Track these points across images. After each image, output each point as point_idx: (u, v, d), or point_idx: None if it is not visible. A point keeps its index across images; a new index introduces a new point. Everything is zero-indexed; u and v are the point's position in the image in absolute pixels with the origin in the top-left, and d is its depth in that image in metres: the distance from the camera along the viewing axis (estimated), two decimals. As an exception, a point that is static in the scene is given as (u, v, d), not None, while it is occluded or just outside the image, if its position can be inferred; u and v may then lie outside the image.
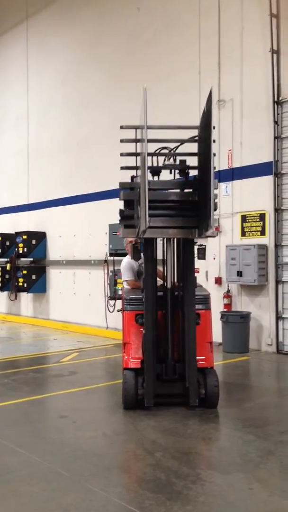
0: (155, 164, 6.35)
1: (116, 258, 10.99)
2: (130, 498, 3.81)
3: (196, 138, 6.14)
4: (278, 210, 9.37)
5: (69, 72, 13.94)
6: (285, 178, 9.34)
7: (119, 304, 9.61)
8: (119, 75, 12.15)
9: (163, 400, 5.93)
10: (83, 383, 7.19)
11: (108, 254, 11.62)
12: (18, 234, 14.76)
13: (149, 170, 5.70)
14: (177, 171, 6.32)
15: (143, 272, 6.19)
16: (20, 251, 14.55)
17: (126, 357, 6.07)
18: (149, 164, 5.96)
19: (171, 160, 6.32)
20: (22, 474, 4.26)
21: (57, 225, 14.22)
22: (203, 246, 7.13)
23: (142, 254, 6.46)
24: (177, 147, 6.34)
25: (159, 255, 6.27)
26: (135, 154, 6.16)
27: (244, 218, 9.83)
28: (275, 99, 9.34)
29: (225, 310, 9.80)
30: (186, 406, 5.84)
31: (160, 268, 6.37)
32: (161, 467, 4.32)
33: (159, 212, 5.78)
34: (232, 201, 10.00)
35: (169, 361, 5.93)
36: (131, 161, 6.30)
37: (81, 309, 13.17)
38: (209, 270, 10.42)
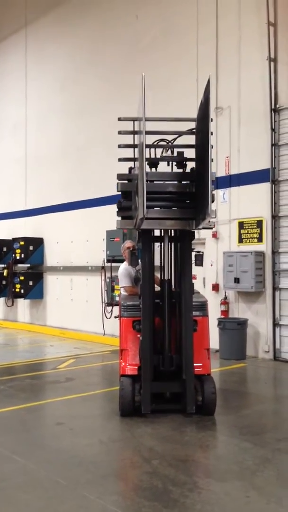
0: (152, 157, 6.36)
1: (113, 264, 10.99)
2: (126, 506, 3.78)
3: (194, 130, 6.16)
4: (275, 217, 9.39)
5: (68, 78, 13.99)
6: (282, 185, 9.37)
7: (116, 310, 9.60)
8: (118, 82, 12.19)
9: (160, 407, 5.91)
10: (80, 390, 7.16)
11: (105, 260, 11.62)
12: (15, 240, 14.75)
13: (147, 162, 5.71)
14: (174, 163, 6.33)
15: (140, 278, 6.19)
16: (17, 257, 14.52)
17: (123, 363, 6.06)
18: (147, 157, 5.96)
19: (169, 152, 6.35)
20: (18, 481, 4.24)
21: (54, 231, 14.22)
22: (201, 253, 7.14)
23: (139, 260, 6.46)
24: (174, 139, 6.36)
25: (157, 260, 6.27)
26: (133, 146, 6.16)
27: (241, 225, 9.84)
28: (273, 107, 9.38)
29: (222, 316, 9.79)
30: (183, 413, 5.82)
31: (157, 274, 6.36)
32: (158, 474, 4.30)
33: (157, 204, 5.79)
34: (230, 207, 10.02)
35: (166, 354, 5.87)
36: (129, 154, 6.30)
37: (78, 315, 13.14)
38: (206, 277, 10.42)
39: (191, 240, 6.08)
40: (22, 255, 14.38)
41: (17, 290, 14.55)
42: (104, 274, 11.67)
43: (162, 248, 6.14)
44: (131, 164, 6.28)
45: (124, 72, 12.07)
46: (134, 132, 6.18)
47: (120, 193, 6.12)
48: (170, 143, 6.31)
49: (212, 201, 5.05)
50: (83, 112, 13.38)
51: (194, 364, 5.81)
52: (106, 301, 11.55)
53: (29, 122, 15.35)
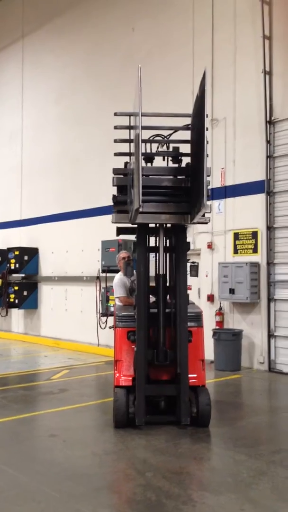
0: (148, 152, 6.36)
1: (108, 274, 10.96)
2: (119, 520, 3.74)
3: (189, 125, 6.18)
4: (270, 228, 9.42)
5: (64, 89, 14.06)
6: (277, 197, 9.41)
7: (111, 320, 9.56)
8: (113, 93, 12.25)
9: (154, 419, 5.87)
10: (73, 401, 7.11)
11: (100, 271, 11.60)
12: (10, 250, 14.70)
13: (142, 157, 5.72)
14: (170, 158, 6.33)
15: (135, 289, 6.17)
16: (12, 267, 14.47)
17: (117, 374, 6.02)
18: (143, 151, 5.97)
19: (164, 147, 6.36)
20: (10, 494, 4.18)
21: (49, 241, 14.20)
22: (196, 264, 7.13)
23: (134, 271, 6.44)
24: (170, 134, 6.37)
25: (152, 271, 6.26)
26: (129, 141, 6.17)
27: (236, 236, 9.86)
28: (268, 119, 9.45)
29: (217, 327, 9.77)
30: (178, 425, 5.78)
31: (153, 284, 6.34)
32: (151, 487, 4.25)
33: (152, 198, 5.79)
34: (225, 218, 10.04)
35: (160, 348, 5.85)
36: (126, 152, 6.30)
37: (73, 325, 13.08)
38: (201, 287, 10.42)
39: (186, 250, 6.08)
40: (17, 265, 14.33)
41: (12, 300, 14.48)
42: (99, 284, 11.64)
43: (157, 242, 6.12)
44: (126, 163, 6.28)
45: (119, 84, 12.13)
46: (130, 127, 6.19)
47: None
48: (166, 138, 6.33)
49: (208, 196, 5.05)
50: (78, 123, 13.44)
51: (189, 375, 5.78)
52: (100, 312, 11.50)
53: (25, 132, 15.39)
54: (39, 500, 4.03)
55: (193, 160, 5.82)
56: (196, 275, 10.28)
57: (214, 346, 9.36)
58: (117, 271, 7.66)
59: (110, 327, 7.59)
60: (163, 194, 5.94)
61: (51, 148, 14.31)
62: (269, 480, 4.43)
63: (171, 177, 6.04)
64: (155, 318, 5.94)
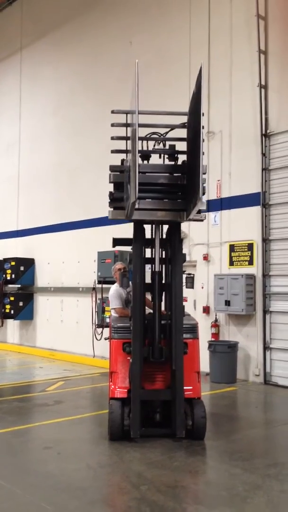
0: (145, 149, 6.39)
1: (104, 285, 10.96)
2: (114, 534, 3.71)
3: (186, 124, 6.23)
4: (266, 240, 9.45)
5: (61, 101, 14.15)
6: (273, 209, 9.46)
7: (106, 332, 9.54)
8: (110, 105, 12.23)
9: (149, 431, 5.84)
10: (68, 413, 7.07)
11: (96, 282, 11.59)
12: (6, 260, 14.69)
13: (139, 154, 5.76)
14: (166, 156, 6.35)
15: (131, 300, 6.16)
16: (8, 278, 14.45)
17: (112, 386, 5.99)
18: (139, 149, 6.00)
19: (161, 145, 6.40)
20: (3, 507, 4.14)
21: (45, 252, 14.20)
22: (192, 275, 7.14)
23: (130, 282, 6.44)
24: (167, 132, 6.41)
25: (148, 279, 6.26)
26: (126, 138, 6.19)
27: (232, 248, 9.89)
28: (263, 132, 9.53)
29: (212, 339, 9.76)
30: (173, 438, 5.75)
31: (148, 296, 6.35)
32: (146, 501, 4.23)
33: (148, 195, 5.82)
34: (221, 230, 10.08)
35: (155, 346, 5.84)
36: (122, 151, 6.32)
37: (68, 336, 13.04)
38: (197, 299, 10.42)
39: (182, 262, 6.09)
40: (13, 276, 14.32)
41: (7, 310, 14.44)
42: (95, 296, 11.63)
43: (153, 236, 6.13)
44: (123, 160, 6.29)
45: (117, 96, 12.20)
46: (126, 125, 6.22)
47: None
48: (162, 136, 6.37)
49: (203, 194, 5.08)
50: (76, 134, 13.51)
51: (184, 387, 5.76)
52: (96, 323, 11.48)
53: (22, 143, 15.46)
54: (33, 514, 4.00)
55: (189, 158, 5.87)
56: (192, 287, 10.37)
57: (210, 358, 9.34)
58: (113, 282, 7.66)
59: (105, 339, 7.56)
60: (159, 191, 5.98)
61: (48, 159, 14.37)
62: (264, 494, 4.41)
63: (167, 174, 6.08)
64: (151, 329, 5.94)
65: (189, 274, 10.21)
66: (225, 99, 10.13)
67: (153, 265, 6.13)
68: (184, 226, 8.80)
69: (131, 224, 6.10)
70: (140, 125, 5.34)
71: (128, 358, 5.89)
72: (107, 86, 12.69)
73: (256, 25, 9.54)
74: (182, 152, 6.14)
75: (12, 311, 14.30)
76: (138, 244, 6.01)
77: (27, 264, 14.50)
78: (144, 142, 6.39)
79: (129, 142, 5.96)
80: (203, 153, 5.18)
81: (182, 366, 5.75)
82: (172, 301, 5.93)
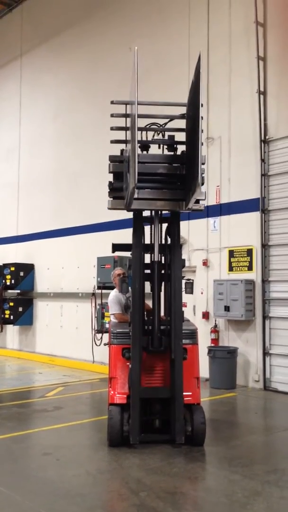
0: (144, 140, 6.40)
1: (104, 291, 10.96)
2: None
3: (185, 115, 6.25)
4: (265, 246, 9.47)
5: (61, 107, 14.20)
6: (272, 215, 9.48)
7: (106, 337, 9.53)
8: (110, 111, 12.32)
9: (149, 437, 5.83)
10: (67, 419, 7.06)
11: (96, 287, 11.59)
12: (6, 265, 14.69)
13: (138, 145, 5.77)
14: (165, 146, 6.38)
15: (130, 305, 6.16)
16: (8, 283, 14.45)
17: (112, 392, 5.98)
18: (138, 139, 6.02)
19: (160, 136, 6.43)
20: (2, 514, 4.14)
21: (45, 257, 14.20)
22: (191, 281, 7.15)
23: (129, 287, 6.44)
24: (166, 123, 6.42)
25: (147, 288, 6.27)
26: (125, 129, 6.20)
27: (231, 253, 9.90)
28: (262, 138, 9.56)
29: (212, 345, 9.76)
30: (172, 444, 5.74)
31: (148, 302, 6.35)
32: (145, 507, 4.22)
33: (148, 185, 5.83)
34: (220, 236, 10.10)
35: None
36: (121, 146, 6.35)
37: (68, 342, 13.03)
38: (196, 305, 10.42)
39: (181, 267, 6.09)
40: (13, 281, 14.31)
41: (7, 316, 14.43)
42: (95, 301, 11.63)
43: (152, 230, 6.15)
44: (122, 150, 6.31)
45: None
46: (126, 115, 6.24)
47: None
48: (161, 127, 6.39)
49: (202, 183, 5.09)
50: (75, 140, 13.55)
51: (184, 393, 5.75)
52: (96, 328, 11.47)
53: (22, 148, 15.50)
54: (32, 520, 4.00)
55: (188, 148, 5.89)
56: (191, 292, 10.37)
57: (209, 364, 9.33)
58: (112, 288, 7.67)
59: (105, 344, 7.57)
60: (159, 181, 6.00)
61: (48, 165, 14.41)
62: (264, 501, 4.40)
63: (167, 164, 6.10)
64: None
65: (189, 279, 10.22)
66: (224, 105, 10.17)
67: (152, 254, 6.11)
68: (184, 232, 8.82)
69: (130, 230, 6.11)
70: (140, 116, 5.36)
71: (128, 363, 5.88)
72: (107, 91, 12.69)
73: (255, 32, 9.59)
74: (181, 143, 6.17)
75: (11, 317, 14.29)
76: (137, 233, 5.99)
77: (27, 269, 14.50)
78: (143, 132, 6.42)
79: (128, 132, 5.96)
80: (201, 144, 5.20)
81: (181, 372, 5.74)
82: (171, 306, 5.94)
